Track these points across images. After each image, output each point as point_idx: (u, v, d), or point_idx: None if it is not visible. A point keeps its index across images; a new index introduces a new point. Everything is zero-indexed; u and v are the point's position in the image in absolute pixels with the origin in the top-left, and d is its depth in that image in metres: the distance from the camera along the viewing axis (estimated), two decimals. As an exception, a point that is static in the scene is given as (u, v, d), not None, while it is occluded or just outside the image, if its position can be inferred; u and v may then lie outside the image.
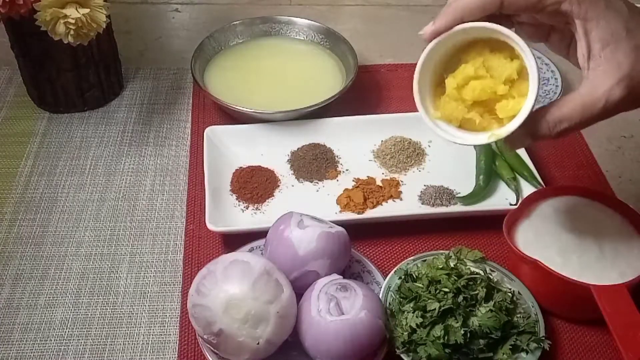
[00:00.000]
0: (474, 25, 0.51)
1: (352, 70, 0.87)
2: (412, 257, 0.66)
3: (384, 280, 0.64)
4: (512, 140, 0.53)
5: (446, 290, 0.59)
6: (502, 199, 0.76)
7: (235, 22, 0.95)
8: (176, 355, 0.63)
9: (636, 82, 0.49)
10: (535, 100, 0.51)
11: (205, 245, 0.72)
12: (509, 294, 0.60)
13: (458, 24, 0.52)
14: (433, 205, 0.75)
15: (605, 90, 0.49)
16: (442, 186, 0.77)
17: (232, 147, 0.81)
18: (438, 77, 0.56)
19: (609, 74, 0.49)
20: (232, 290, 0.55)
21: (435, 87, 0.56)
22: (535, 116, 0.51)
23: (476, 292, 0.59)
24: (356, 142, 0.82)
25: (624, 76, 0.48)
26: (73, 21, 0.70)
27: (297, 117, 0.82)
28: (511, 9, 0.51)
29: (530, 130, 0.52)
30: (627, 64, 0.48)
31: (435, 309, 0.58)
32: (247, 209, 0.75)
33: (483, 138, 0.53)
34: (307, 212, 0.65)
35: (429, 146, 0.83)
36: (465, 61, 0.54)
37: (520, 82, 0.52)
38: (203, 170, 0.76)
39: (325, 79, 0.90)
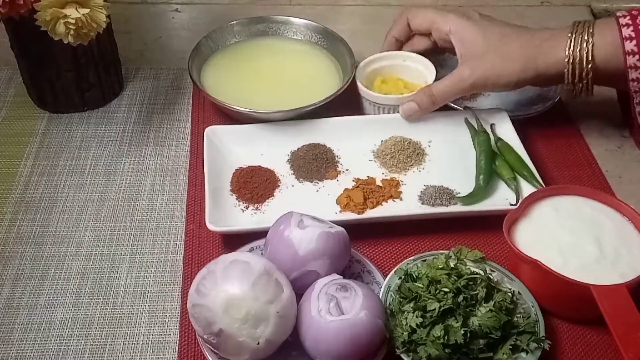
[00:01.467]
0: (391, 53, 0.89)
1: (349, 70, 0.87)
2: (412, 257, 0.66)
3: (384, 280, 0.64)
4: (407, 107, 0.82)
5: (446, 290, 0.59)
6: (502, 199, 0.76)
7: (232, 22, 0.95)
8: (176, 355, 0.63)
9: (487, 72, 0.77)
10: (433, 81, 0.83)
11: (205, 245, 0.72)
12: (509, 294, 0.60)
13: (394, 46, 0.89)
14: (433, 205, 0.75)
15: (468, 74, 0.77)
16: (442, 186, 0.77)
17: (232, 147, 0.81)
18: (371, 81, 0.88)
19: (471, 64, 0.78)
20: (232, 290, 0.55)
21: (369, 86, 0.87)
22: (424, 89, 0.81)
23: (476, 292, 0.59)
24: (356, 142, 0.82)
25: (479, 66, 0.77)
26: (73, 21, 0.70)
27: (295, 117, 0.82)
28: (418, 30, 0.86)
29: (418, 98, 0.81)
30: (482, 58, 0.77)
31: (435, 309, 0.58)
32: (247, 209, 0.75)
33: (393, 98, 0.84)
34: (307, 212, 0.65)
35: (429, 146, 0.83)
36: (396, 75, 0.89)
37: None
38: (203, 170, 0.76)
39: (323, 78, 0.90)
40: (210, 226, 0.69)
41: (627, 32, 0.71)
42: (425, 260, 0.65)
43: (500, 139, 0.81)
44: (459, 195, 0.76)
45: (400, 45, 0.89)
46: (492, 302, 0.59)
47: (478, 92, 0.87)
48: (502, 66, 0.76)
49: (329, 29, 0.94)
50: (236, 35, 0.95)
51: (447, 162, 0.81)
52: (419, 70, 0.87)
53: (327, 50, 0.94)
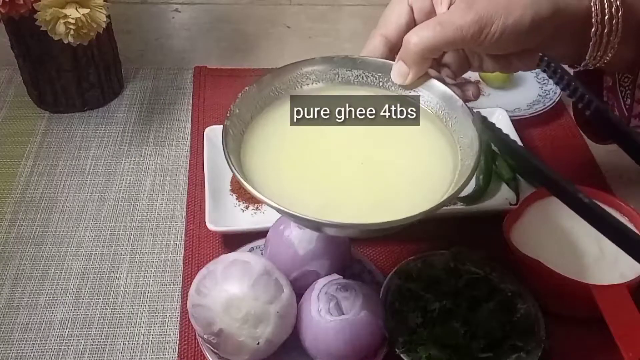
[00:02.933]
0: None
1: (467, 166, 0.50)
2: (412, 257, 0.66)
3: (384, 280, 0.64)
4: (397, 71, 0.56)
5: (446, 290, 0.59)
6: (502, 199, 0.76)
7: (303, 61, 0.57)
8: (176, 355, 0.63)
9: (491, 6, 0.53)
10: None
11: (205, 245, 0.72)
12: (509, 294, 0.60)
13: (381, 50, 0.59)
14: (433, 205, 0.75)
15: (464, 9, 0.54)
16: (442, 186, 0.77)
17: (232, 147, 0.81)
18: None
19: (464, 9, 0.54)
20: (232, 290, 0.55)
21: None
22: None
23: (476, 292, 0.59)
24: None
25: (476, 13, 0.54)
26: (73, 21, 0.70)
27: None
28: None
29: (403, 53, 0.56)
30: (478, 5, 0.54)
31: (435, 309, 0.58)
32: (247, 209, 0.75)
33: None
34: (307, 212, 0.65)
35: (429, 146, 0.82)
36: None
37: None
38: (203, 170, 0.76)
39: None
40: (210, 226, 0.69)
41: None
42: (425, 260, 0.65)
43: (500, 139, 0.81)
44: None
45: (389, 49, 0.57)
46: (492, 302, 0.59)
47: (478, 43, 0.55)
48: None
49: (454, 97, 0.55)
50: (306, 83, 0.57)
51: (447, 162, 0.81)
52: None
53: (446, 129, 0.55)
